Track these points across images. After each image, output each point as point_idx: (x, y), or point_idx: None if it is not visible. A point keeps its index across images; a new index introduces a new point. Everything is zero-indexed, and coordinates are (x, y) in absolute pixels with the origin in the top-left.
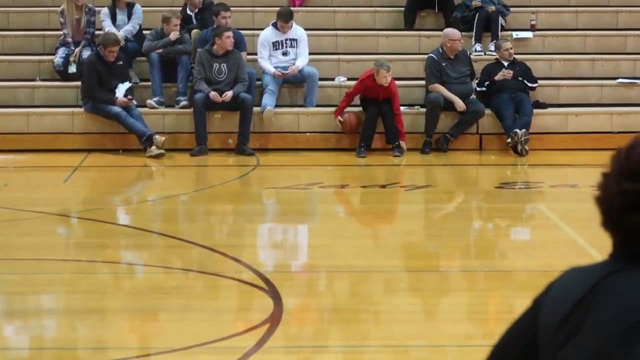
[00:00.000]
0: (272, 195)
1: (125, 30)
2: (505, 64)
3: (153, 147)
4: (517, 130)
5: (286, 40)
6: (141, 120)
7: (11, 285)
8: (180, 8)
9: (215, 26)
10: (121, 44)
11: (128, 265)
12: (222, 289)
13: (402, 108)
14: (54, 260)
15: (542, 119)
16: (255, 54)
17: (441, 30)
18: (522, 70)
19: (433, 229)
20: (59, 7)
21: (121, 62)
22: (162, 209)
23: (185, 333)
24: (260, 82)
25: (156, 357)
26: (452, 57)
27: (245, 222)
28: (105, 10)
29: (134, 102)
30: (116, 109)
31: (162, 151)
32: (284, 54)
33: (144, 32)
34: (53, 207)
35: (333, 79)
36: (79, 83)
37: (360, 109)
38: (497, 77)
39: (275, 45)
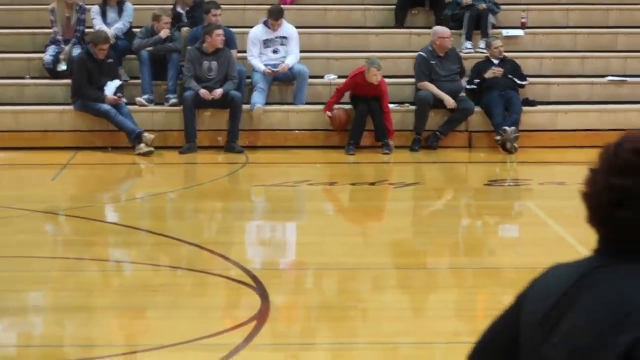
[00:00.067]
0: (261, 193)
1: (115, 28)
2: (496, 61)
3: (142, 145)
4: (507, 128)
5: (276, 38)
6: (130, 117)
7: None
8: (171, 6)
9: (205, 24)
10: (111, 42)
11: (116, 263)
12: (210, 286)
13: (391, 105)
14: (42, 257)
15: (531, 117)
16: (246, 51)
17: (432, 28)
18: (512, 68)
19: (421, 226)
20: (49, 4)
21: (111, 60)
22: (150, 206)
23: (173, 330)
24: (250, 80)
25: (144, 354)
26: (441, 54)
27: (234, 220)
28: (95, 8)
29: (124, 99)
30: (105, 106)
31: (152, 149)
32: (274, 51)
33: (134, 29)
34: (41, 205)
35: (323, 77)
36: (69, 81)
37: (350, 105)
38: (487, 75)
39: (266, 43)
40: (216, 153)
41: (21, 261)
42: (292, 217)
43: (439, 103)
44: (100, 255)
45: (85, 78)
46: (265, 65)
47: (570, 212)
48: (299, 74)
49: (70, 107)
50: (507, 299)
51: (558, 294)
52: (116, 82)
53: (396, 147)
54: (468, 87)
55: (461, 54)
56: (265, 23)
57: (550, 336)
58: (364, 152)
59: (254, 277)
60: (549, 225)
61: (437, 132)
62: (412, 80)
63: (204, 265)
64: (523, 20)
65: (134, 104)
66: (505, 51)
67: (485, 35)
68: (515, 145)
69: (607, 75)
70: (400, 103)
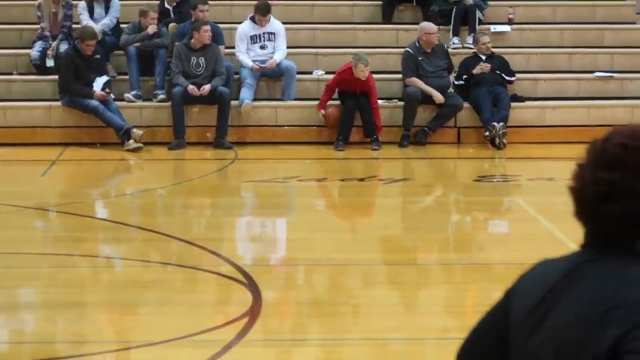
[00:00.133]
0: (250, 189)
1: (102, 23)
2: (483, 57)
3: (131, 141)
4: (495, 124)
5: (264, 33)
6: (119, 113)
7: None
8: (158, 2)
9: (193, 20)
10: (99, 38)
11: (106, 259)
12: (200, 283)
13: (380, 101)
14: (32, 254)
15: (519, 113)
16: (233, 47)
17: (419, 24)
18: (500, 64)
19: (411, 222)
20: (36, 0)
21: (98, 56)
22: (140, 202)
23: (164, 326)
24: (238, 76)
25: (135, 350)
26: (428, 50)
27: (224, 216)
28: (82, 4)
29: (112, 95)
30: (94, 102)
31: (140, 145)
32: (262, 47)
33: (122, 25)
34: (31, 201)
35: (311, 73)
36: (56, 77)
37: (338, 102)
38: (475, 71)
39: (253, 38)
40: (205, 149)
41: (11, 257)
42: (282, 213)
43: (427, 99)
44: (91, 251)
45: (72, 74)
46: (253, 61)
47: (560, 208)
48: (287, 69)
49: (58, 103)
50: (496, 295)
51: (545, 289)
52: (104, 78)
53: (385, 143)
54: (456, 83)
55: (449, 50)
56: (253, 19)
57: (536, 332)
58: (353, 148)
59: (244, 273)
60: (538, 221)
61: (426, 128)
62: (400, 76)
63: (195, 261)
64: (510, 16)
65: (122, 100)
66: (493, 47)
67: (472, 31)
68: (504, 141)
69: (594, 71)
70: (389, 99)
